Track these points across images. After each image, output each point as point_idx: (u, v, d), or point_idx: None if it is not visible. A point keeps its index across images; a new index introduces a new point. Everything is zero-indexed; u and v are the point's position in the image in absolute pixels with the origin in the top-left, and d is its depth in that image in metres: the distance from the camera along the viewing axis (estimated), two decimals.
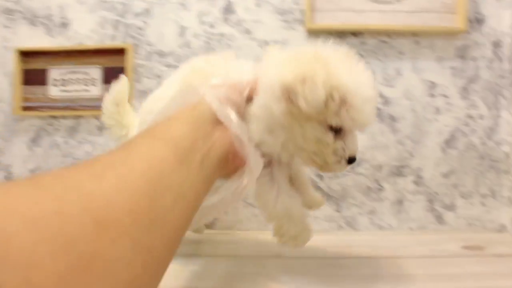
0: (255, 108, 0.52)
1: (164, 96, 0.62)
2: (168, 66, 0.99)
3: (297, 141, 0.52)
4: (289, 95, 0.48)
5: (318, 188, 0.98)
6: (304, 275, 0.68)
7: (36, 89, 1.02)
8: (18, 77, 1.01)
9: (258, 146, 0.52)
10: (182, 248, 0.89)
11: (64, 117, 1.02)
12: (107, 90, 1.01)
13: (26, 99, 1.02)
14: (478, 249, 0.84)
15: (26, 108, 1.02)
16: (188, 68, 0.64)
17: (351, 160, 0.53)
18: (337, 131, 0.52)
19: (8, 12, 1.02)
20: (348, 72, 0.50)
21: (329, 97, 0.48)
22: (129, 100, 0.90)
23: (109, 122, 0.80)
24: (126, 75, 0.97)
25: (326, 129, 0.51)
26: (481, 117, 0.98)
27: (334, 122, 0.50)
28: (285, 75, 0.49)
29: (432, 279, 0.66)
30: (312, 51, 0.52)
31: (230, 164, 0.45)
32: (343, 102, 0.49)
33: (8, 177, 1.03)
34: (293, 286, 0.64)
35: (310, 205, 0.67)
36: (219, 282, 0.66)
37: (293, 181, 0.65)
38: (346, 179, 0.99)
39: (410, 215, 0.98)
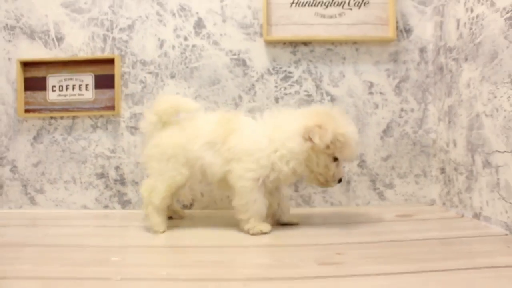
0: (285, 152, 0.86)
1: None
2: (150, 73, 1.17)
3: (312, 166, 0.87)
4: (309, 135, 0.83)
5: None
6: (268, 234, 0.89)
7: (36, 94, 1.19)
8: (20, 84, 1.17)
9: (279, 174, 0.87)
10: (167, 223, 1.05)
11: (62, 117, 1.19)
12: (98, 94, 1.19)
13: (28, 103, 1.19)
14: (408, 216, 1.04)
15: (28, 111, 1.18)
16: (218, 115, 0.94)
17: (340, 180, 0.90)
18: (335, 161, 0.87)
19: (10, 28, 1.19)
20: (346, 124, 0.86)
21: (335, 139, 0.83)
22: (118, 102, 1.07)
23: (153, 117, 0.95)
24: (116, 82, 1.15)
25: (331, 160, 0.87)
26: (412, 110, 1.18)
27: (337, 155, 0.86)
28: (308, 122, 0.84)
29: (365, 234, 0.87)
30: (324, 110, 0.89)
31: None
32: (344, 143, 0.84)
33: (14, 171, 1.20)
34: (262, 241, 0.84)
35: (288, 222, 0.98)
36: (201, 239, 0.86)
37: (279, 203, 0.98)
38: None
39: (357, 193, 1.18)
